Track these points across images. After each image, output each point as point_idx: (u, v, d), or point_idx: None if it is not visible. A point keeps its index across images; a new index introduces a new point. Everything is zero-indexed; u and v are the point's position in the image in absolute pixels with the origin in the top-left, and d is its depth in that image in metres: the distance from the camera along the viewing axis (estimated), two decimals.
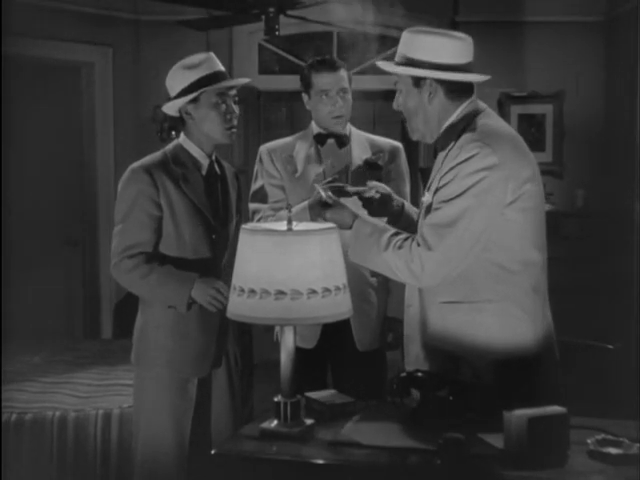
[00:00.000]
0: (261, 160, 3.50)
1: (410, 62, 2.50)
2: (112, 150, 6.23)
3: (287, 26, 5.57)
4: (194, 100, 2.95)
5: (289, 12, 5.11)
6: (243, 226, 2.33)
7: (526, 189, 2.40)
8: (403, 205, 2.80)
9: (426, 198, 2.52)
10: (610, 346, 2.90)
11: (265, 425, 2.27)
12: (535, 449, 2.06)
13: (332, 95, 3.37)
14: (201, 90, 2.92)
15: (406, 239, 2.43)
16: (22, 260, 5.65)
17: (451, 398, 2.26)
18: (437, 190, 2.44)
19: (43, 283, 5.87)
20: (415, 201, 7.00)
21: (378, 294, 3.46)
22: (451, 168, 2.40)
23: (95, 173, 6.21)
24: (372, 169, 3.41)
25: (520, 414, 2.08)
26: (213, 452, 2.20)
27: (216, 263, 3.01)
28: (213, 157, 3.07)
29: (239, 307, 2.27)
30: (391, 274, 2.46)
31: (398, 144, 3.58)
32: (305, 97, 3.45)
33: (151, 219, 2.93)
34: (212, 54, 3.03)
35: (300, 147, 3.46)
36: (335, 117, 3.39)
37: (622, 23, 5.98)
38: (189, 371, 2.99)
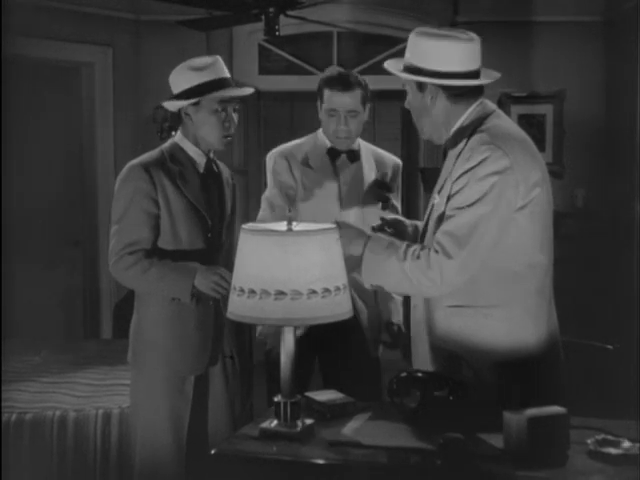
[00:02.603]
0: (276, 167, 3.47)
1: (412, 69, 2.49)
2: (112, 150, 6.23)
3: (287, 26, 5.58)
4: (195, 103, 2.95)
5: (289, 12, 5.11)
6: (243, 226, 2.33)
7: (535, 194, 2.40)
8: (416, 226, 2.79)
9: (437, 201, 2.50)
10: (610, 346, 2.90)
11: (265, 425, 2.27)
12: (535, 449, 2.06)
13: (339, 116, 3.34)
14: (203, 96, 2.93)
15: (422, 248, 2.41)
16: (22, 260, 5.65)
17: (451, 398, 2.26)
18: (450, 196, 2.41)
19: (43, 283, 5.87)
20: (414, 201, 6.96)
21: (377, 301, 3.48)
22: (463, 172, 2.38)
23: (95, 173, 6.21)
24: (382, 189, 3.44)
25: (520, 414, 2.08)
26: (213, 452, 2.19)
27: (212, 262, 3.01)
28: (211, 155, 3.08)
29: (239, 307, 2.27)
30: (409, 287, 2.43)
31: (399, 161, 3.62)
32: (318, 106, 3.44)
33: (149, 216, 2.94)
34: (219, 58, 3.02)
35: (314, 157, 3.45)
36: (338, 137, 3.38)
37: (622, 23, 5.99)
38: (185, 369, 3.00)
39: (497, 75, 2.56)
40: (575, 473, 2.02)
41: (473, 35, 2.50)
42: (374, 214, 3.39)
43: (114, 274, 3.00)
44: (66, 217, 6.16)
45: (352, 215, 3.38)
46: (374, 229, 2.81)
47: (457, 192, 2.39)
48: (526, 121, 6.25)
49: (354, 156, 3.45)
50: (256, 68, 6.68)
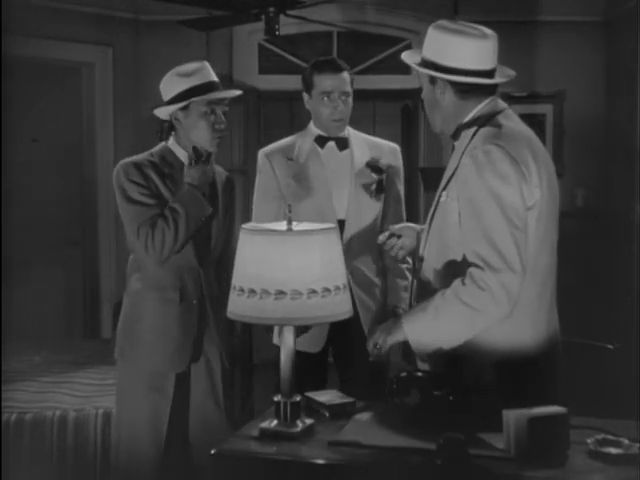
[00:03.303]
0: (259, 167, 3.50)
1: (425, 62, 2.50)
2: (112, 150, 6.23)
3: (287, 26, 5.58)
4: (184, 108, 3.01)
5: (289, 12, 5.11)
6: (243, 226, 2.33)
7: (539, 195, 2.38)
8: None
9: (443, 199, 2.48)
10: (610, 346, 2.90)
11: (265, 425, 2.27)
12: (535, 449, 2.06)
13: (334, 97, 3.36)
14: (191, 100, 2.98)
15: (463, 277, 2.33)
16: (22, 260, 5.65)
17: (451, 398, 2.26)
18: (460, 199, 2.39)
19: (43, 283, 5.87)
20: (414, 200, 6.92)
21: (380, 292, 3.47)
22: (468, 174, 2.36)
23: (95, 173, 6.21)
24: (374, 172, 3.43)
25: (520, 414, 2.08)
26: (213, 452, 2.19)
27: (201, 260, 3.06)
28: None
29: (239, 307, 2.27)
30: (470, 322, 2.33)
31: (396, 146, 3.59)
32: (306, 97, 3.44)
33: (149, 197, 2.98)
34: (206, 63, 3.08)
35: (300, 149, 3.46)
36: (335, 120, 3.39)
37: (622, 23, 5.99)
38: (166, 366, 3.03)
39: (512, 74, 2.56)
40: (575, 473, 2.02)
41: (490, 32, 2.49)
42: (367, 198, 3.41)
43: (161, 261, 2.99)
44: (66, 217, 6.16)
45: (344, 201, 3.40)
46: (381, 241, 2.82)
47: (469, 201, 2.36)
48: (526, 121, 6.14)
49: (343, 143, 3.45)
50: (256, 68, 6.68)
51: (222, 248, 3.15)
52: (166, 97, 3.04)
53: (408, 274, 3.50)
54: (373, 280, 3.45)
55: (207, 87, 3.00)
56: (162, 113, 3.06)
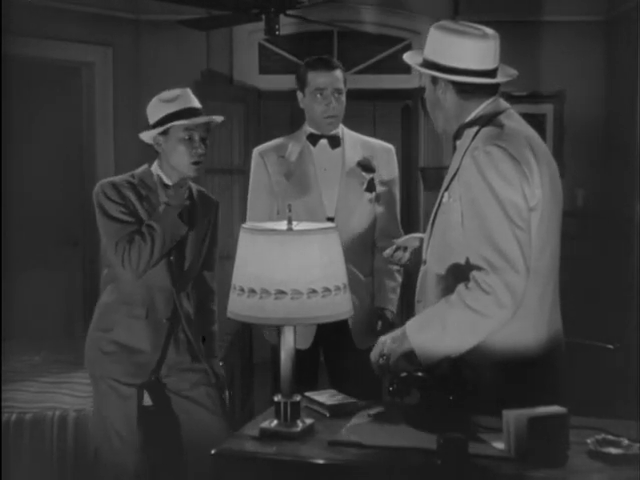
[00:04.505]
0: (252, 165, 3.55)
1: (427, 63, 2.50)
2: (112, 150, 6.23)
3: (287, 26, 5.58)
4: (164, 133, 3.05)
5: (289, 12, 5.11)
6: (243, 225, 2.34)
7: (541, 196, 2.37)
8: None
9: (445, 200, 2.47)
10: (610, 346, 2.90)
11: (265, 425, 2.27)
12: (535, 449, 2.05)
13: (327, 94, 3.38)
14: (170, 124, 3.02)
15: (467, 281, 2.32)
16: (22, 260, 5.65)
17: (451, 398, 2.26)
18: (462, 201, 2.38)
19: (43, 283, 5.87)
20: (414, 200, 6.93)
21: (368, 292, 3.47)
22: (470, 175, 2.35)
23: (95, 173, 6.20)
24: (365, 171, 3.43)
25: (520, 414, 2.08)
26: (213, 452, 2.19)
27: (174, 282, 3.09)
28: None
29: (239, 307, 2.27)
30: (477, 328, 2.33)
31: (390, 146, 3.59)
32: (300, 95, 3.47)
33: (128, 215, 3.05)
34: (188, 90, 3.11)
35: (293, 148, 3.48)
36: (328, 117, 3.41)
37: (622, 23, 5.99)
38: (125, 376, 3.07)
39: (514, 74, 2.56)
40: (575, 473, 2.02)
41: (491, 32, 2.49)
42: (358, 197, 3.41)
43: (138, 275, 3.02)
44: (66, 217, 6.15)
45: (334, 199, 3.41)
46: (387, 254, 2.81)
47: (471, 202, 2.35)
48: (527, 121, 6.20)
49: (335, 141, 3.46)
50: (256, 67, 6.68)
51: (201, 269, 3.21)
52: (151, 121, 3.09)
53: (398, 276, 3.50)
54: (362, 280, 3.44)
55: (185, 113, 3.03)
56: (146, 137, 3.10)
